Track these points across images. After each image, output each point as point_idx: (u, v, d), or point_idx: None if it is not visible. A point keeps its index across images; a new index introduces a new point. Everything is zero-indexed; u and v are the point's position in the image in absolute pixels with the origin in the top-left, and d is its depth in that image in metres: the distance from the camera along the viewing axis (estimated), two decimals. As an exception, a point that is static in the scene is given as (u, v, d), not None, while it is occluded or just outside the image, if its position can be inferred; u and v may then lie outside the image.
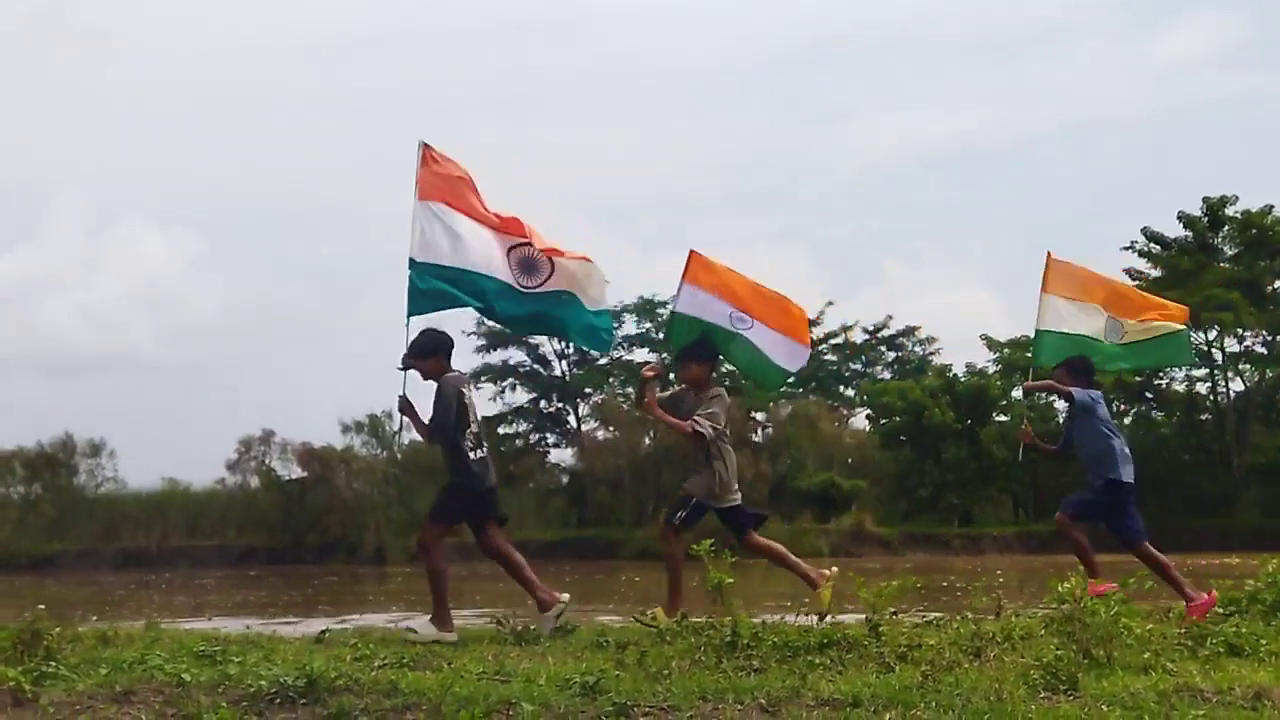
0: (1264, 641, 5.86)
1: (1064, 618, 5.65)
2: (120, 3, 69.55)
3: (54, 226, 61.76)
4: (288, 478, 34.02)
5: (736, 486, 7.38)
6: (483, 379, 39.56)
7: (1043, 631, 6.15)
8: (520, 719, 4.19)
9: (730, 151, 68.91)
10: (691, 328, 7.55)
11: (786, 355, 7.65)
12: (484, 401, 39.79)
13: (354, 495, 33.30)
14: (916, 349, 45.13)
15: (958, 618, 6.96)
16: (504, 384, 39.98)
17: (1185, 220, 36.56)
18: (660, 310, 40.57)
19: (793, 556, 7.35)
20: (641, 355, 41.35)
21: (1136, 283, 37.00)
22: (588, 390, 40.19)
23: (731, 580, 6.17)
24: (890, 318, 45.12)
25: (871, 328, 44.65)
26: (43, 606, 5.55)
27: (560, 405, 40.32)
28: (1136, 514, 7.64)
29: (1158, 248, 37.17)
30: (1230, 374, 37.26)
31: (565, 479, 39.20)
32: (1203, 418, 37.76)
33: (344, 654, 5.74)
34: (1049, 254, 8.29)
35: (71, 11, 67.78)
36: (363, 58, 69.89)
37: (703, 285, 7.55)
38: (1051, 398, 38.67)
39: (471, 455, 6.89)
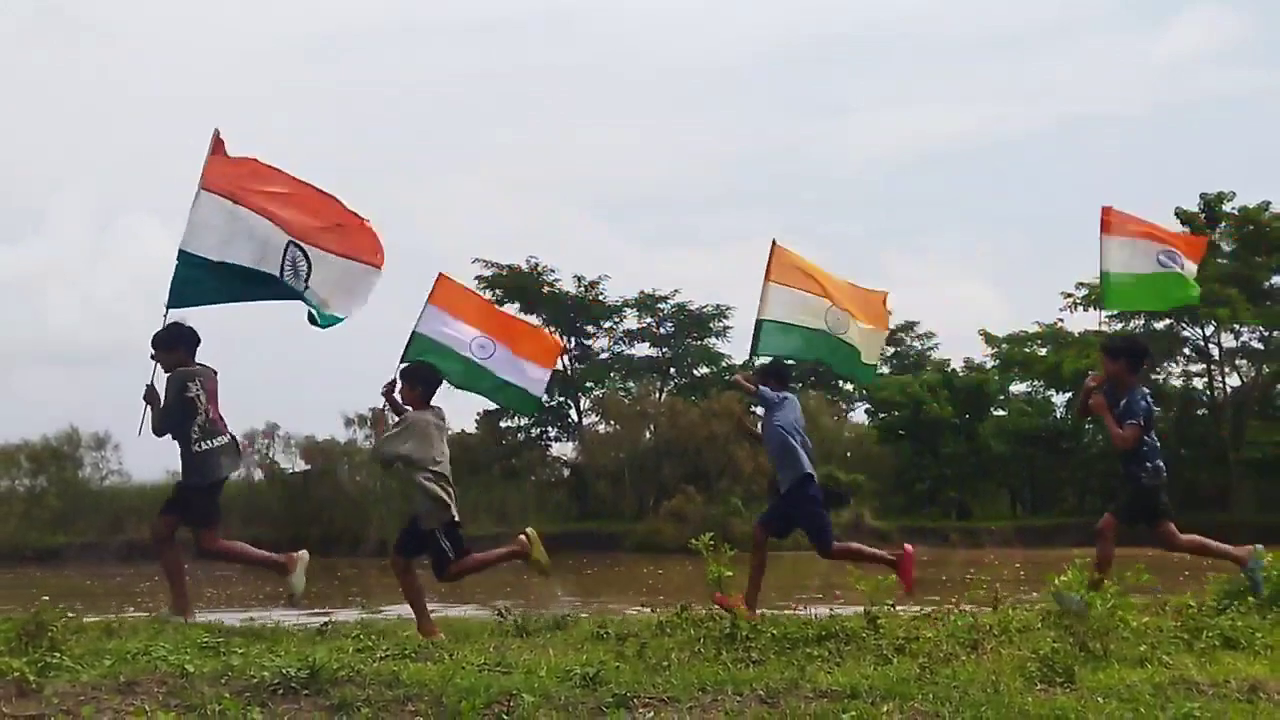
0: (1259, 635, 5.89)
1: (1061, 611, 5.68)
2: (122, 1, 69.46)
3: (60, 220, 61.78)
4: (291, 471, 34.06)
5: (441, 513, 6.87)
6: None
7: (1040, 624, 6.18)
8: (521, 710, 4.22)
9: (731, 149, 68.95)
10: (424, 347, 7.49)
11: (531, 380, 7.65)
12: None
13: (356, 489, 33.34)
14: (915, 344, 45.16)
15: (955, 610, 7.00)
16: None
17: (1183, 216, 36.51)
18: (660, 306, 40.63)
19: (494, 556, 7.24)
20: (643, 350, 41.45)
21: None
22: (589, 384, 40.22)
23: (731, 573, 6.22)
24: (889, 313, 45.11)
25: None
26: (47, 598, 5.58)
27: (561, 399, 40.32)
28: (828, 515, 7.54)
29: (1156, 243, 37.17)
30: (1227, 369, 37.30)
31: (566, 472, 39.25)
32: (1199, 413, 37.79)
33: (346, 645, 5.77)
34: (774, 242, 7.96)
35: (73, 9, 67.69)
36: (363, 57, 69.85)
37: (448, 309, 7.57)
38: (1051, 392, 38.73)
39: (196, 447, 6.98)
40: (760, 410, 7.68)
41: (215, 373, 7.18)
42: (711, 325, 40.57)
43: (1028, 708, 4.28)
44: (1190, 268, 7.94)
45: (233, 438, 7.20)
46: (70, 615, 5.86)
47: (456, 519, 6.92)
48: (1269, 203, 35.54)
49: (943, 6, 74.19)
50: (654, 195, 70.51)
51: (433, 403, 7.06)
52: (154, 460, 34.49)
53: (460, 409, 48.01)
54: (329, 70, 69.73)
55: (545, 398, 7.19)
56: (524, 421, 39.72)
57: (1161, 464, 7.43)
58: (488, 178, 69.49)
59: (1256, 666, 5.19)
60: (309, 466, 33.83)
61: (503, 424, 38.81)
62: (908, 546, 7.53)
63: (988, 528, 33.96)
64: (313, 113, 69.14)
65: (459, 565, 6.91)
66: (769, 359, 7.86)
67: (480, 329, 7.58)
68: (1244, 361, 37.36)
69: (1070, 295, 37.08)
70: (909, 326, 44.98)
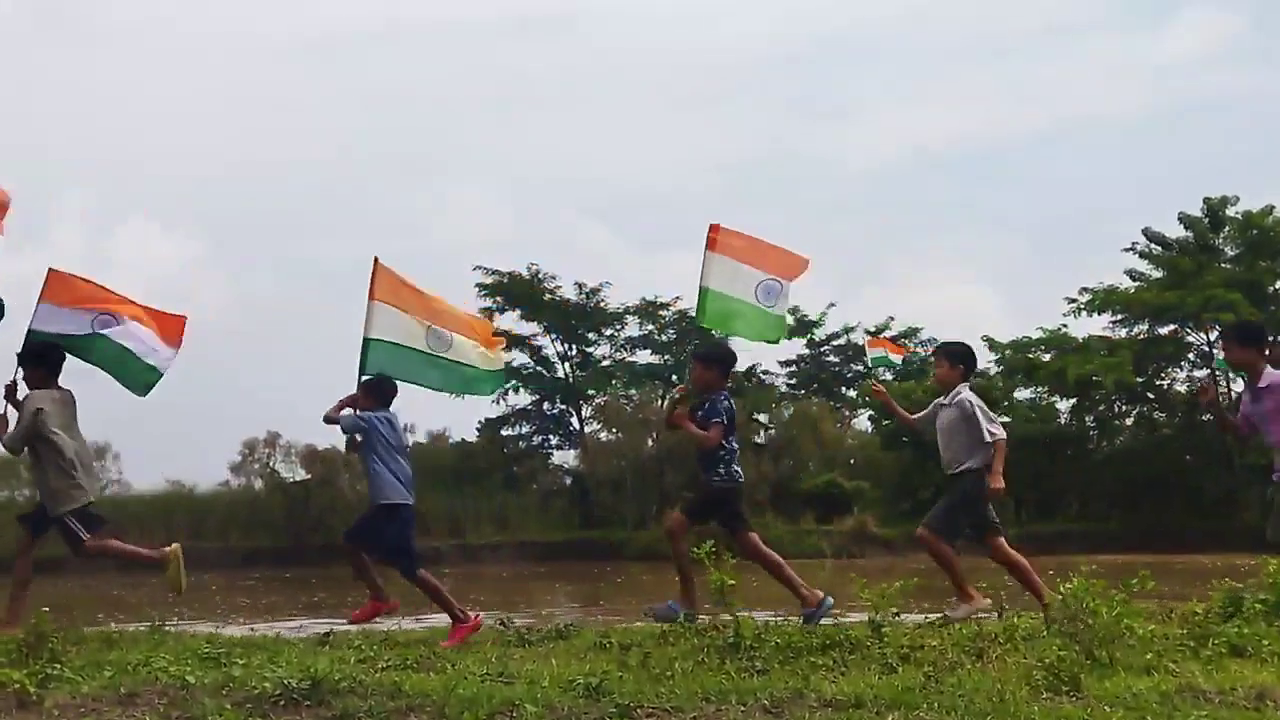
0: (1266, 642, 5.86)
1: (1066, 618, 5.65)
2: (123, 2, 69.67)
3: (57, 227, 61.79)
4: (292, 479, 34.08)
5: (71, 494, 7.52)
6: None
7: (1045, 632, 6.15)
8: (524, 720, 4.21)
9: (730, 150, 68.95)
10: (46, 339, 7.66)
11: (156, 354, 7.84)
12: (486, 403, 39.79)
13: (358, 497, 33.32)
14: (918, 350, 45.13)
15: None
16: (506, 386, 40.02)
17: (1186, 221, 36.54)
18: (662, 312, 40.67)
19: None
20: (644, 357, 41.46)
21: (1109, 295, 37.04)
22: (590, 392, 40.23)
23: (734, 582, 6.19)
24: (892, 318, 45.10)
25: (873, 329, 44.65)
26: (47, 609, 5.57)
27: (563, 407, 40.32)
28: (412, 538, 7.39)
29: (1158, 248, 37.14)
30: (1232, 375, 37.23)
31: (568, 480, 39.23)
32: (1204, 418, 37.72)
33: (348, 656, 5.76)
34: (376, 259, 7.79)
35: (73, 10, 67.89)
36: (363, 56, 69.96)
37: (62, 302, 7.74)
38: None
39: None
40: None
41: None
42: (713, 333, 40.59)
43: (1034, 716, 4.26)
44: (789, 288, 7.75)
45: None
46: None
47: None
48: (1273, 206, 35.52)
49: (943, 7, 74.32)
50: (654, 196, 70.51)
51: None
52: (154, 470, 34.61)
53: (464, 418, 48.12)
54: (328, 72, 69.88)
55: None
56: (525, 429, 39.74)
57: (739, 471, 7.30)
58: (486, 180, 69.63)
59: (1264, 674, 5.16)
60: (310, 475, 33.85)
61: (504, 432, 38.81)
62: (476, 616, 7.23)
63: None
64: (312, 114, 69.24)
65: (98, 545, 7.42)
66: (371, 377, 7.54)
67: (101, 308, 7.81)
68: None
69: (1074, 300, 37.08)
70: (911, 333, 45.00)
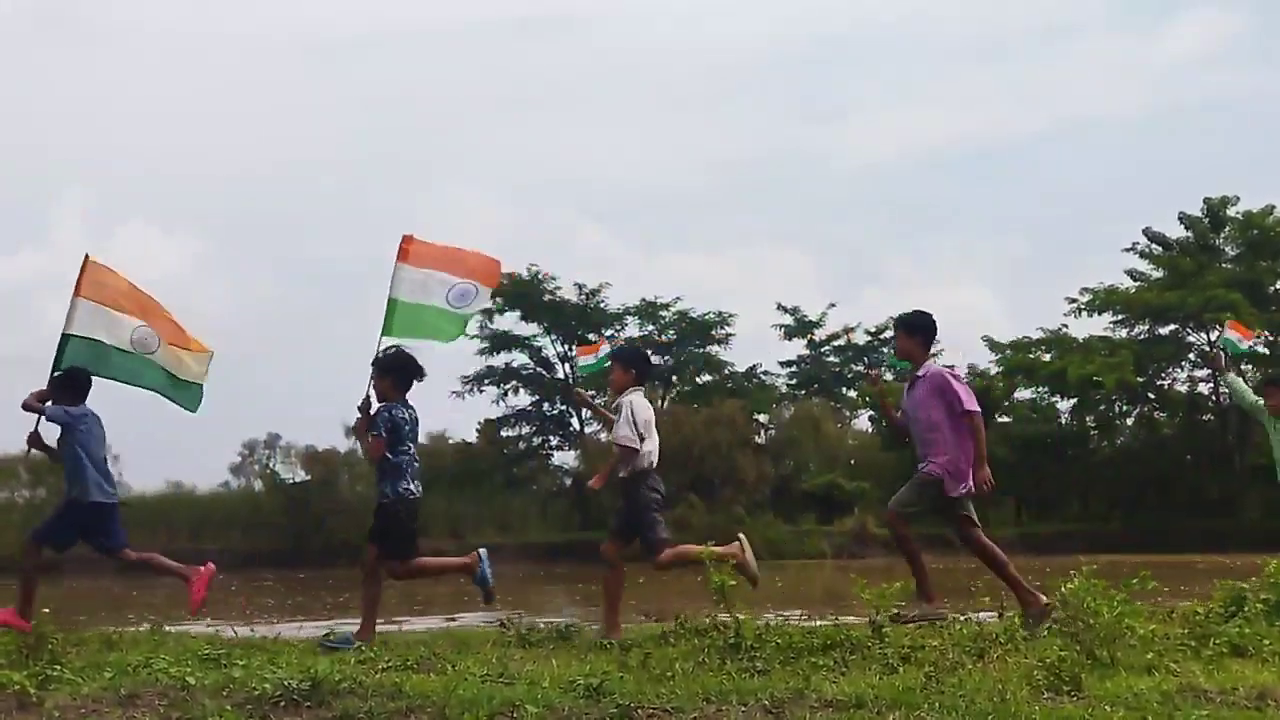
0: (1267, 642, 5.85)
1: (1067, 618, 5.65)
2: (124, 3, 69.69)
3: (58, 228, 61.86)
4: (291, 481, 34.09)
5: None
6: (485, 382, 39.60)
7: (1046, 632, 6.15)
8: (524, 721, 4.20)
9: (730, 151, 69.01)
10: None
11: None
12: (486, 404, 39.82)
13: (357, 498, 33.32)
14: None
15: (961, 619, 6.96)
16: (506, 387, 40.04)
17: (1186, 221, 36.57)
18: (662, 313, 40.67)
19: None
20: (645, 357, 41.43)
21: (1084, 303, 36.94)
22: (591, 393, 40.24)
23: (734, 583, 6.19)
24: (892, 318, 45.15)
25: (873, 329, 44.68)
26: (47, 610, 5.57)
27: (562, 408, 40.33)
28: (119, 531, 7.35)
29: (1159, 248, 37.19)
30: (1232, 375, 37.23)
31: (568, 481, 39.23)
32: (1205, 418, 37.75)
33: (348, 657, 5.75)
34: (86, 256, 7.71)
35: (74, 11, 67.91)
36: (363, 58, 70.00)
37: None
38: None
39: None
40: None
41: None
42: (714, 333, 40.61)
43: (1034, 716, 4.25)
44: (485, 292, 7.55)
45: None
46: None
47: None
48: (1273, 206, 35.57)
49: (943, 9, 74.35)
50: (653, 199, 70.63)
51: None
52: (154, 471, 34.63)
53: (464, 419, 48.05)
54: (328, 74, 69.93)
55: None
56: (525, 430, 39.78)
57: (412, 489, 6.83)
58: (486, 181, 69.64)
59: (1265, 674, 5.16)
60: (309, 476, 33.87)
61: (504, 433, 38.81)
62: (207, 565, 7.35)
63: (992, 535, 33.80)
64: (312, 116, 69.33)
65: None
66: (63, 372, 7.42)
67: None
68: (1249, 367, 37.31)
69: (1074, 300, 37.12)
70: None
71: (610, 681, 4.72)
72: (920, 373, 7.04)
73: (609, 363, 8.02)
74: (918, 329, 7.21)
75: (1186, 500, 33.75)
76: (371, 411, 6.87)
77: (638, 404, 7.30)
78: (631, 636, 6.61)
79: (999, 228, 68.68)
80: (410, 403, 6.98)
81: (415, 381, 7.01)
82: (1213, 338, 35.83)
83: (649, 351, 7.41)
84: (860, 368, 45.29)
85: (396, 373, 6.95)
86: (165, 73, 66.96)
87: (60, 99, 64.43)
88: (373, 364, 6.99)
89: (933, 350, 7.58)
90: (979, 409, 7.00)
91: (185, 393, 7.89)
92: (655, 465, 7.35)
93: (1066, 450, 36.96)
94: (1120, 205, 64.04)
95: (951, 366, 7.39)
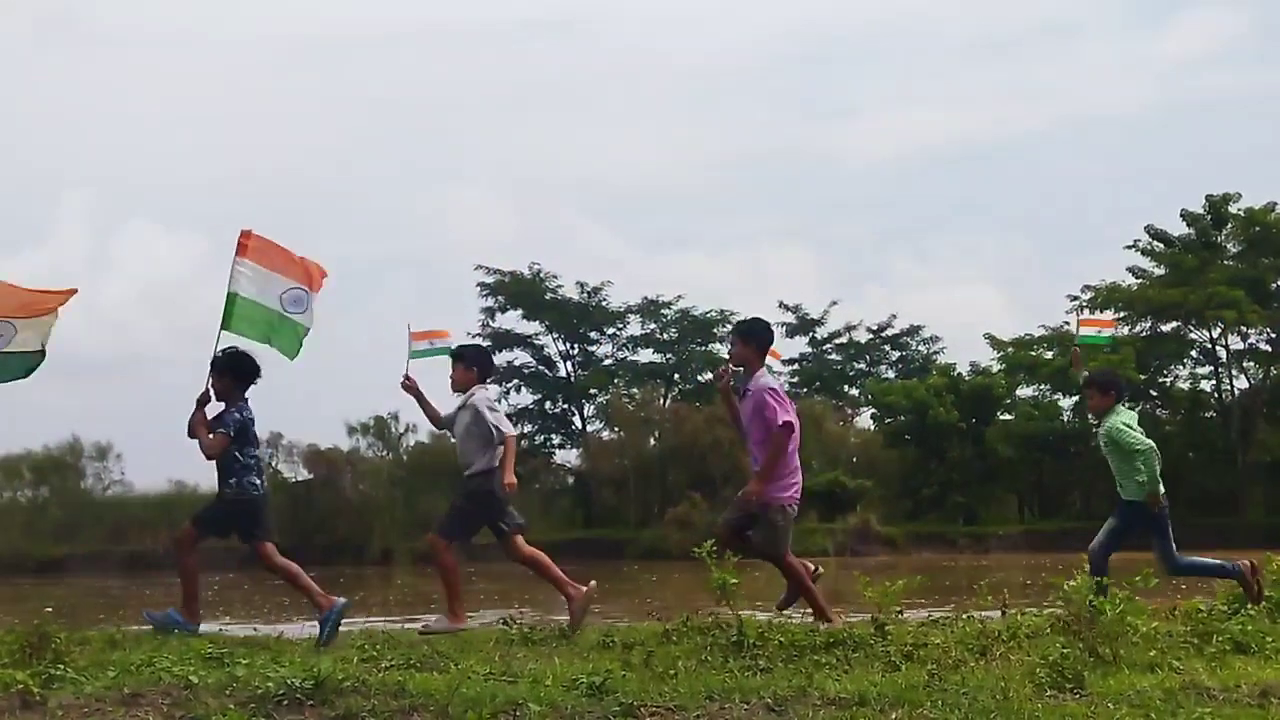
0: (1270, 639, 5.86)
1: (1070, 616, 5.65)
2: (124, 5, 69.70)
3: (61, 229, 61.93)
4: (294, 480, 34.11)
5: None
6: (486, 381, 39.58)
7: (1049, 630, 6.15)
8: (527, 719, 4.20)
9: (732, 150, 69.01)
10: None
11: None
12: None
13: (360, 497, 33.39)
14: (920, 348, 45.13)
15: (963, 616, 6.96)
16: (509, 385, 40.06)
17: (1188, 218, 36.53)
18: (664, 311, 40.65)
19: None
20: (647, 356, 41.46)
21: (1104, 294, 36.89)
22: (593, 391, 40.21)
23: (736, 580, 6.19)
24: (894, 317, 45.04)
25: (875, 327, 44.68)
26: (50, 609, 5.57)
27: (565, 406, 40.37)
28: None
29: (1161, 245, 37.16)
30: (1234, 371, 37.23)
31: (571, 480, 39.26)
32: (1207, 415, 37.73)
33: (351, 655, 5.75)
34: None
35: (77, 14, 67.93)
36: (363, 58, 70.02)
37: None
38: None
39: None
40: None
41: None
42: (715, 330, 40.60)
43: (1037, 714, 4.25)
44: (313, 300, 7.37)
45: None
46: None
47: None
48: (1275, 203, 35.53)
49: (945, 8, 74.32)
50: (655, 197, 70.67)
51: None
52: (157, 470, 34.65)
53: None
54: (328, 75, 69.96)
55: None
56: (528, 429, 39.77)
57: (258, 483, 6.86)
58: (487, 181, 69.63)
59: (1267, 671, 5.16)
60: (312, 475, 33.89)
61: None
62: None
63: (995, 533, 33.88)
64: (312, 117, 69.35)
65: None
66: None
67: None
68: (1252, 364, 37.30)
69: (1076, 298, 37.10)
70: (914, 330, 44.97)
71: (613, 680, 4.72)
72: (749, 386, 7.16)
73: (445, 356, 8.00)
74: (753, 336, 7.32)
75: (1189, 497, 33.70)
76: (207, 408, 6.87)
77: (492, 401, 7.51)
78: (635, 635, 6.61)
79: (1001, 225, 68.72)
80: (249, 403, 6.96)
81: (254, 382, 7.00)
82: (1215, 334, 35.90)
83: (491, 350, 7.53)
84: (862, 365, 45.34)
85: (234, 372, 6.93)
86: (166, 73, 67.01)
87: (60, 99, 64.46)
88: (211, 363, 6.95)
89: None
90: (794, 421, 7.22)
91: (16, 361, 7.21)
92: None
93: (1069, 447, 36.92)
94: (1122, 203, 64.11)
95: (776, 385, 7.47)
